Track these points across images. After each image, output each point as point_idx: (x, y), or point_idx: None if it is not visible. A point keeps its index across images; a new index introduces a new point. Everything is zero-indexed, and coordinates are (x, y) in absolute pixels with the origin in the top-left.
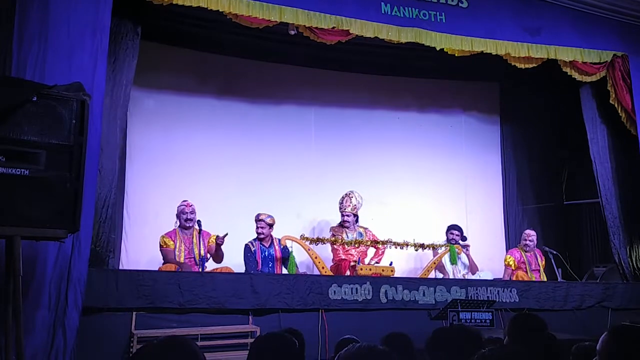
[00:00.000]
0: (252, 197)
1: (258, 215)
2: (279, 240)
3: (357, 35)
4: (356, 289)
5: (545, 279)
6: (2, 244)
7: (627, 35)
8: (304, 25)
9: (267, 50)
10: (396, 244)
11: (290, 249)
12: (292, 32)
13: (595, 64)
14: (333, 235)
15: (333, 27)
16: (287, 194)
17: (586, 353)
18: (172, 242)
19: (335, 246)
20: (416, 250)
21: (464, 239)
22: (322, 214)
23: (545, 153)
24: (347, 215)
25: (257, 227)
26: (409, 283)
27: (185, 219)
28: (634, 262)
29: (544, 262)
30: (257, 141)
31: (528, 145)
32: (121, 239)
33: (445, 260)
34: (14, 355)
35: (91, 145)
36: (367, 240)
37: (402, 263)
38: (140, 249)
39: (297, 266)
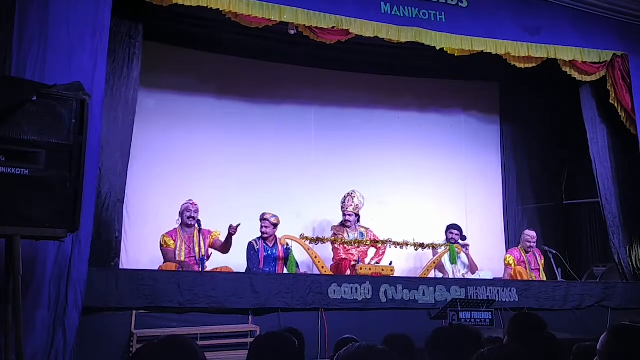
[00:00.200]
0: (252, 196)
1: (263, 214)
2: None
3: (357, 34)
4: (356, 288)
5: (544, 279)
6: (2, 244)
7: (626, 35)
8: (304, 25)
9: (267, 49)
10: (396, 244)
11: (290, 248)
12: (292, 32)
13: (595, 63)
14: (334, 234)
15: (333, 27)
16: (287, 194)
17: (587, 353)
18: (172, 242)
19: (336, 245)
20: (416, 249)
21: (463, 238)
22: (322, 213)
23: (545, 153)
24: (349, 215)
25: (262, 227)
26: (409, 282)
27: (189, 217)
28: (634, 262)
29: (543, 262)
30: (257, 141)
31: (528, 145)
32: (121, 239)
33: (445, 259)
34: (14, 354)
35: (91, 144)
36: (366, 240)
37: (402, 262)
38: (140, 248)
39: (297, 265)
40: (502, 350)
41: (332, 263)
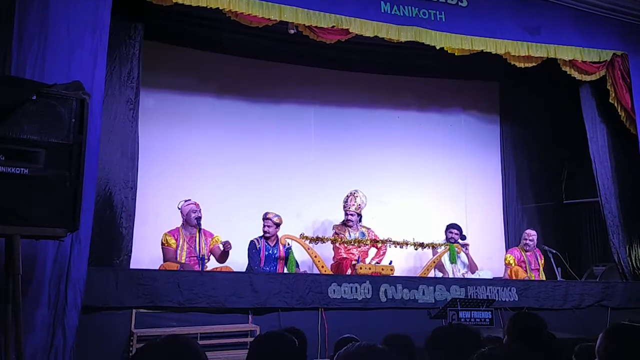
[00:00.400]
0: (252, 196)
1: (266, 214)
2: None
3: (356, 34)
4: (356, 288)
5: (544, 278)
6: (2, 243)
7: (626, 35)
8: (304, 24)
9: (267, 49)
10: (396, 243)
11: (290, 248)
12: (292, 31)
13: (594, 63)
14: (336, 233)
15: (333, 26)
16: (286, 193)
17: (589, 353)
18: (174, 241)
19: (336, 245)
20: (416, 249)
21: (463, 238)
22: (321, 213)
23: (544, 152)
24: (351, 215)
25: (264, 226)
26: (409, 282)
27: (196, 217)
28: (633, 262)
29: (543, 261)
30: (257, 140)
31: (528, 145)
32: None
33: (445, 259)
34: (13, 354)
35: (90, 144)
36: (366, 240)
37: (402, 262)
38: (140, 248)
39: (297, 265)
40: (502, 350)
41: (332, 262)
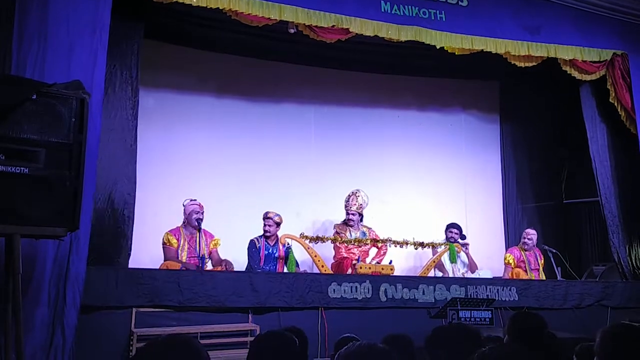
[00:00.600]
0: (252, 195)
1: (266, 213)
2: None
3: (356, 33)
4: (356, 287)
5: (544, 278)
6: (2, 242)
7: (626, 34)
8: (304, 24)
9: (267, 48)
10: (396, 243)
11: (290, 247)
12: (292, 31)
13: (595, 62)
14: (337, 232)
15: (333, 26)
16: (286, 193)
17: (589, 353)
18: (175, 241)
19: (337, 244)
20: (416, 248)
21: (463, 237)
22: (321, 212)
23: (544, 152)
24: (352, 214)
25: (265, 225)
26: (409, 281)
27: (197, 219)
28: (633, 261)
29: (543, 261)
30: (257, 140)
31: (528, 144)
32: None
33: (445, 258)
34: (13, 353)
35: (90, 143)
36: (366, 239)
37: (402, 261)
38: (140, 248)
39: (297, 264)
40: (502, 349)
41: (333, 262)
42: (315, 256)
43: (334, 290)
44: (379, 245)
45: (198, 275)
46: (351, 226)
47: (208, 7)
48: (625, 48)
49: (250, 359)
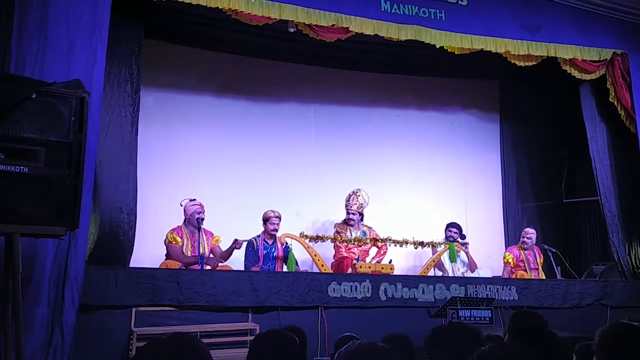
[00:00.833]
0: (252, 195)
1: (266, 213)
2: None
3: (356, 32)
4: (355, 286)
5: (544, 277)
6: (2, 242)
7: (626, 34)
8: (304, 23)
9: (267, 47)
10: (396, 242)
11: (290, 247)
12: (292, 30)
13: (594, 62)
14: (337, 232)
15: (332, 25)
16: (286, 192)
17: (589, 352)
18: (180, 239)
19: (337, 243)
20: (415, 248)
21: (462, 237)
22: (321, 212)
23: (544, 151)
24: (353, 214)
25: (270, 226)
26: (409, 281)
27: (199, 219)
28: (633, 260)
29: (542, 260)
30: (257, 139)
31: (528, 143)
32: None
33: (445, 258)
34: (13, 352)
35: (89, 142)
36: (366, 239)
37: (402, 261)
38: (140, 247)
39: (297, 264)
40: (502, 348)
41: (333, 261)
42: (315, 255)
43: (334, 289)
44: (379, 244)
45: (198, 275)
46: (351, 225)
47: (208, 6)
48: (625, 47)
49: (250, 358)
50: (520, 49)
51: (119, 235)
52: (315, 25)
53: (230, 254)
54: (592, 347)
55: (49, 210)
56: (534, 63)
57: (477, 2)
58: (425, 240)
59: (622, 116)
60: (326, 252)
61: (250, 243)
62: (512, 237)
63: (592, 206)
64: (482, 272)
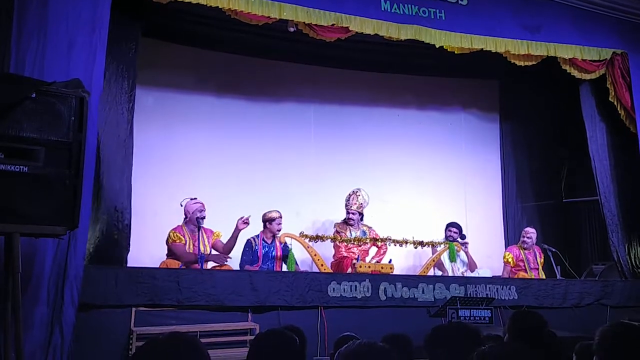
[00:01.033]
0: (251, 194)
1: (267, 215)
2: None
3: (356, 32)
4: (355, 286)
5: (544, 277)
6: (1, 241)
7: (626, 33)
8: (304, 22)
9: (266, 47)
10: (395, 242)
11: (290, 246)
12: (292, 29)
13: (594, 61)
14: (337, 231)
15: (332, 24)
16: (286, 192)
17: (589, 351)
18: (182, 237)
19: (337, 243)
20: (415, 247)
21: (462, 237)
22: (321, 212)
23: (544, 151)
24: (353, 213)
25: (276, 225)
26: (408, 280)
27: (201, 217)
28: (633, 260)
29: (542, 260)
30: (257, 139)
31: (527, 143)
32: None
33: (445, 257)
34: (13, 352)
35: (89, 142)
36: (365, 238)
37: (401, 260)
38: (139, 247)
39: (297, 263)
40: (502, 348)
41: (333, 261)
42: (315, 255)
43: (334, 289)
44: (379, 244)
45: (198, 274)
46: (351, 225)
47: (208, 5)
48: (625, 47)
49: (250, 357)
50: (520, 49)
51: (113, 234)
52: (315, 25)
53: (235, 239)
54: (592, 346)
55: (48, 210)
56: (534, 63)
57: (477, 2)
58: (425, 240)
59: (621, 116)
60: (326, 251)
61: (248, 242)
62: (511, 237)
63: (592, 206)
64: (482, 271)
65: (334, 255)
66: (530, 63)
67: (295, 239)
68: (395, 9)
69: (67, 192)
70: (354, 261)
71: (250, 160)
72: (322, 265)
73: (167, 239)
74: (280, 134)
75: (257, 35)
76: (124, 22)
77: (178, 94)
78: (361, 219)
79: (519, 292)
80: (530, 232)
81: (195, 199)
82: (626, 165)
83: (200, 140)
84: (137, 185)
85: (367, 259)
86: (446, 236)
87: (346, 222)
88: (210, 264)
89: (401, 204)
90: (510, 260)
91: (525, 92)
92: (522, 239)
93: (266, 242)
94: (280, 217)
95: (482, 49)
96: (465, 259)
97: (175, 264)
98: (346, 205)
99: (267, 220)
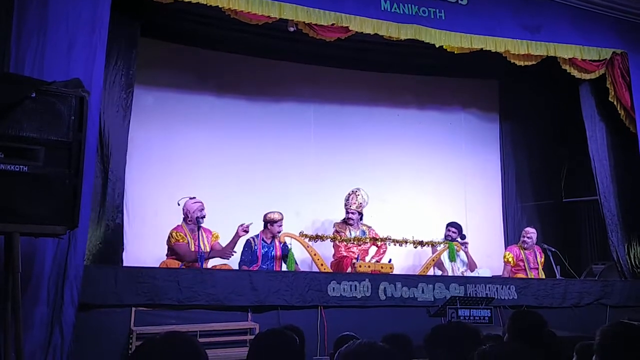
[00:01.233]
0: (251, 194)
1: (269, 216)
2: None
3: (356, 32)
4: (355, 286)
5: (543, 277)
6: (1, 241)
7: (626, 33)
8: (304, 22)
9: (266, 47)
10: (395, 241)
11: (289, 246)
12: (292, 29)
13: (594, 61)
14: (336, 231)
15: (332, 24)
16: (286, 192)
17: (590, 351)
18: (184, 237)
19: (336, 243)
20: (415, 247)
21: (463, 237)
22: (321, 212)
23: (544, 150)
24: (352, 213)
25: (277, 227)
26: (408, 280)
27: (202, 217)
28: (632, 260)
29: (542, 260)
30: (257, 139)
31: (527, 143)
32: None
33: (444, 257)
34: (13, 352)
35: (89, 141)
36: (365, 238)
37: (401, 260)
38: (139, 246)
39: (296, 263)
40: (503, 347)
41: (332, 260)
42: (315, 255)
43: (334, 288)
44: (379, 243)
45: (197, 274)
46: (351, 225)
47: (208, 5)
48: (624, 47)
49: (250, 357)
50: (520, 49)
51: (107, 234)
52: (315, 25)
53: (234, 244)
54: (593, 346)
55: (48, 210)
56: (534, 63)
57: (477, 2)
58: (425, 240)
59: (621, 116)
60: (326, 251)
61: (247, 243)
62: (511, 237)
63: (592, 206)
64: (482, 271)
65: (333, 255)
66: (530, 63)
67: (295, 238)
68: (395, 9)
69: (67, 191)
70: (354, 261)
71: (250, 160)
72: (321, 264)
73: (169, 239)
74: (280, 134)
75: (257, 35)
76: (124, 21)
77: (178, 93)
78: (360, 219)
79: (519, 292)
80: (531, 232)
81: (194, 198)
82: (626, 165)
83: (200, 140)
84: (137, 185)
85: (367, 259)
86: (445, 236)
87: (345, 221)
88: (210, 263)
89: (401, 204)
90: (510, 259)
91: (525, 92)
92: (522, 238)
93: (265, 242)
94: (282, 219)
95: (482, 48)
96: (465, 258)
97: (175, 263)
98: (345, 205)
99: (268, 222)
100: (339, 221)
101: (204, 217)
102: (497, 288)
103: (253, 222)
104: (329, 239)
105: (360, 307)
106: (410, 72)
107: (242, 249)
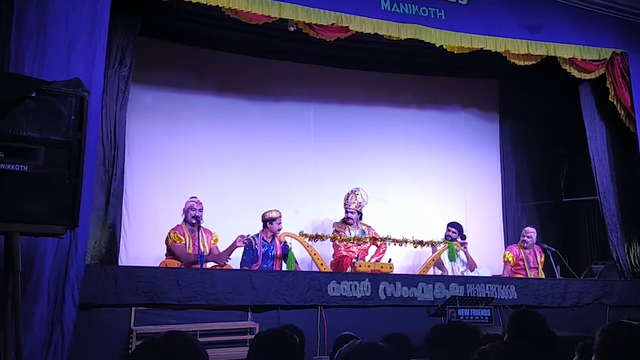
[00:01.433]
0: (251, 193)
1: (267, 215)
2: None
3: (356, 31)
4: (355, 285)
5: (543, 276)
6: (1, 240)
7: (626, 33)
8: (304, 22)
9: (266, 46)
10: (395, 241)
11: (289, 245)
12: (292, 29)
13: (594, 61)
14: (336, 231)
15: (332, 24)
16: (285, 191)
17: (591, 350)
18: (182, 237)
19: (336, 242)
20: (415, 247)
21: (463, 237)
22: (321, 211)
23: (544, 150)
24: (351, 213)
25: (277, 225)
26: (408, 280)
27: (193, 216)
28: (632, 260)
29: (542, 259)
30: (256, 138)
31: (527, 143)
32: (120, 234)
33: (444, 257)
34: (13, 351)
35: (89, 141)
36: (365, 238)
37: (401, 260)
38: (139, 246)
39: (296, 262)
40: (503, 347)
41: (332, 260)
42: (315, 254)
43: (333, 288)
44: (378, 243)
45: (197, 273)
46: (350, 224)
47: (208, 4)
48: (624, 47)
49: (250, 356)
50: (520, 48)
51: (107, 234)
52: (315, 24)
53: (231, 252)
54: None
55: (48, 209)
56: (534, 62)
57: (477, 2)
58: (425, 239)
59: (621, 115)
60: (325, 251)
61: (248, 242)
62: (511, 236)
63: (592, 205)
64: (482, 271)
65: (333, 255)
66: (530, 63)
67: (295, 238)
68: (395, 9)
69: (67, 191)
70: (354, 260)
71: (249, 160)
72: (321, 264)
73: (167, 239)
74: (280, 133)
75: (257, 34)
76: (124, 21)
77: (177, 93)
78: (360, 218)
79: (519, 292)
80: (531, 232)
81: (194, 197)
82: (626, 165)
83: (199, 139)
84: (137, 184)
85: (367, 258)
86: (446, 236)
87: (345, 221)
88: (210, 264)
89: (401, 204)
90: (510, 259)
91: (525, 91)
92: (522, 238)
93: (266, 242)
94: (280, 217)
95: (482, 48)
96: (465, 258)
97: (175, 263)
98: (345, 205)
99: (267, 220)
100: (338, 221)
101: (198, 217)
102: (497, 288)
103: (251, 234)
104: (328, 239)
105: (360, 307)
106: (410, 71)
107: (243, 249)
